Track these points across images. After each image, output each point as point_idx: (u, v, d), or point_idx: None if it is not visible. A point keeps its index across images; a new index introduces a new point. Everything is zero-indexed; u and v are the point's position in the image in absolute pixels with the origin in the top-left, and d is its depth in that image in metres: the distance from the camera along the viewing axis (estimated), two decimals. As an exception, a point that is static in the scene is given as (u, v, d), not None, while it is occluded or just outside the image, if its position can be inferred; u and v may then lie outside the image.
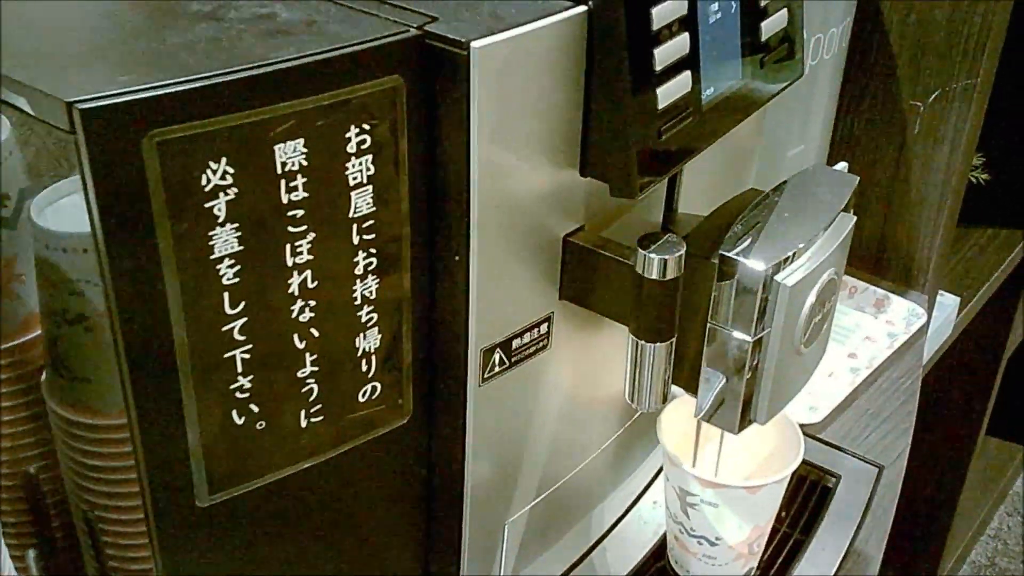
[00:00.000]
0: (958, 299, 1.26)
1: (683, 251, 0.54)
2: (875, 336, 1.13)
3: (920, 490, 1.55)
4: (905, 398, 1.06)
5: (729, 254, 0.57)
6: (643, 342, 0.56)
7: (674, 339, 0.57)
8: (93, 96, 0.41)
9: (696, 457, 0.72)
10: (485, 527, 0.64)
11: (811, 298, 0.60)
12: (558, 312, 0.60)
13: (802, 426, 0.97)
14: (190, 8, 0.50)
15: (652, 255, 0.54)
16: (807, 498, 0.83)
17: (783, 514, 0.80)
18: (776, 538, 0.78)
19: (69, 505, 0.65)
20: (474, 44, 0.47)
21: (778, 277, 0.57)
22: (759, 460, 0.75)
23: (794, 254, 0.58)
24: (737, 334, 0.58)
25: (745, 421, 0.61)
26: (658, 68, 0.52)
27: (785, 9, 0.62)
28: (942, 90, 1.05)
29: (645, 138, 0.53)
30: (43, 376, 0.60)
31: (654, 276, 0.54)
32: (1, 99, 0.45)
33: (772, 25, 0.62)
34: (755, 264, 0.57)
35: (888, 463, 0.92)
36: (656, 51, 0.52)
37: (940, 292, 1.22)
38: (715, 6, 0.57)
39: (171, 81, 0.43)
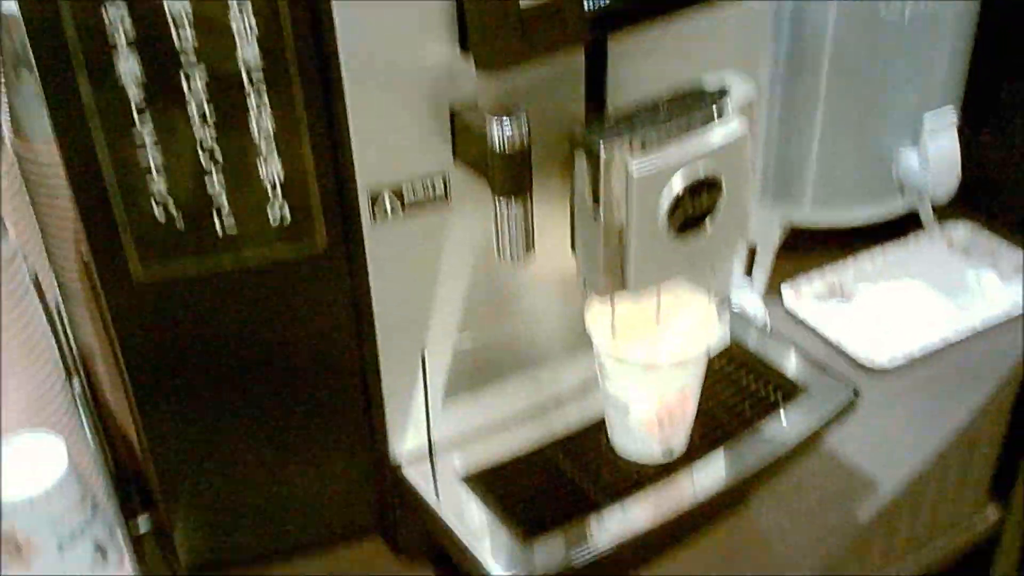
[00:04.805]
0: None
1: (523, 119, 0.62)
2: (1000, 300, 1.09)
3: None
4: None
5: (578, 135, 0.64)
6: (500, 198, 0.65)
7: (528, 196, 0.65)
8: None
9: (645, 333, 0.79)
10: (400, 351, 0.76)
11: (672, 189, 0.66)
12: (457, 174, 0.69)
13: (871, 369, 1.01)
14: None
15: (496, 121, 0.62)
16: (762, 402, 0.86)
17: (736, 405, 0.85)
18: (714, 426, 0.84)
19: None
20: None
21: (629, 164, 0.64)
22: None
23: (645, 143, 0.64)
24: (593, 209, 0.66)
25: (610, 286, 0.69)
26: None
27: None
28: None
29: (504, 22, 0.61)
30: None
31: (499, 140, 0.63)
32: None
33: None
34: (601, 146, 0.64)
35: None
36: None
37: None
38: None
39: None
